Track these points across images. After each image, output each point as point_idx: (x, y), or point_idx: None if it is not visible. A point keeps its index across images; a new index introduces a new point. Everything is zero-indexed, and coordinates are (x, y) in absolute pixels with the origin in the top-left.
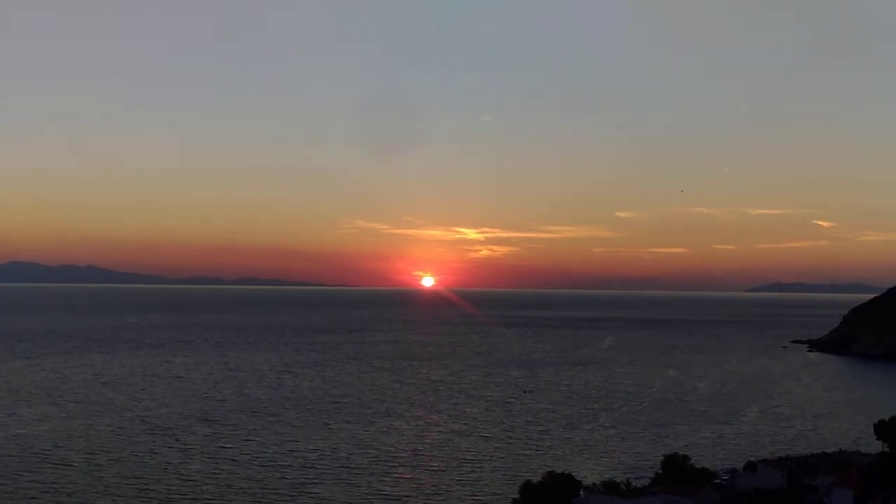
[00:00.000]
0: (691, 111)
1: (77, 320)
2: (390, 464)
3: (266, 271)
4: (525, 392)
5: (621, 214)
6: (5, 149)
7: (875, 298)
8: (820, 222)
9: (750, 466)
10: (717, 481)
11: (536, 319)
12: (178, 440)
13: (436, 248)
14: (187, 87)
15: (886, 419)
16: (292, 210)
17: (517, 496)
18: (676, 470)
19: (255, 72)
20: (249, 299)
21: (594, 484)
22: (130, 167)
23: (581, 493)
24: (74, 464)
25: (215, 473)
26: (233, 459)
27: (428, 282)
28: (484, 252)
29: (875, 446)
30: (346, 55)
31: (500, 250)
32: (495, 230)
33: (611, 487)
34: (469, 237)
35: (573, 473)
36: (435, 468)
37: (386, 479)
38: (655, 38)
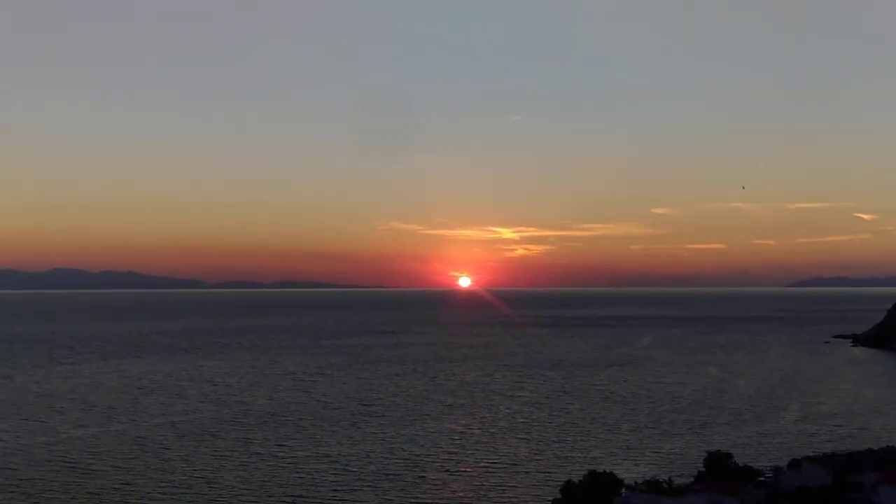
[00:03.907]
0: (728, 105)
1: (116, 326)
2: (426, 467)
3: (304, 274)
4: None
5: (658, 211)
6: (44, 157)
7: None
8: (860, 215)
9: (794, 464)
10: (760, 479)
11: (573, 318)
12: (211, 446)
13: (471, 248)
14: (221, 93)
15: None
16: (328, 213)
17: (558, 496)
18: (719, 468)
19: (287, 77)
20: (287, 302)
21: (636, 483)
22: (169, 175)
23: (623, 492)
24: (107, 470)
25: (249, 479)
26: (266, 464)
27: (464, 282)
28: (520, 251)
29: None
30: (374, 56)
31: (536, 249)
32: (531, 229)
33: (653, 486)
34: (504, 237)
35: (615, 472)
36: (472, 471)
37: (422, 483)
38: (690, 33)
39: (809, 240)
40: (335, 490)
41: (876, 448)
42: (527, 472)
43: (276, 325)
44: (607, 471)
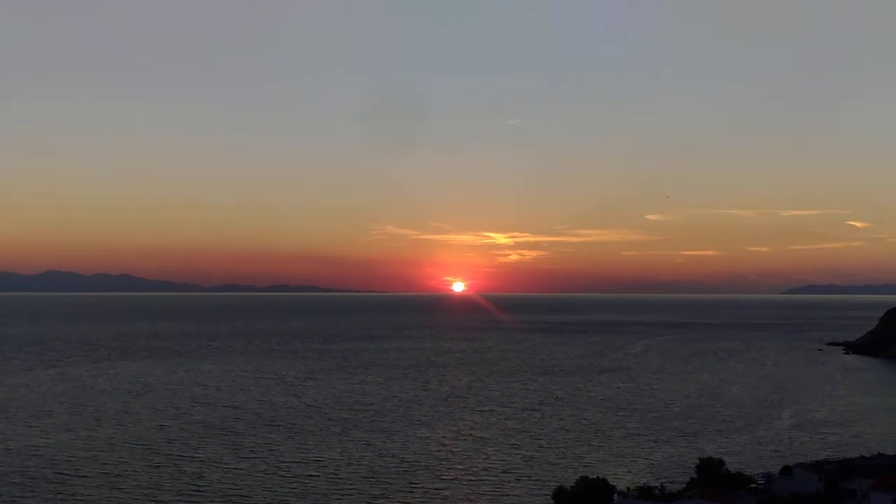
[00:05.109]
0: (722, 112)
1: (108, 329)
2: (417, 474)
3: (297, 278)
4: (557, 398)
5: (651, 217)
6: (37, 160)
7: None
8: (854, 223)
9: (786, 471)
10: (752, 486)
11: (566, 324)
12: (200, 450)
13: (465, 253)
14: (214, 95)
15: None
16: (322, 217)
17: (551, 502)
18: (711, 474)
19: (281, 78)
20: (280, 306)
21: (628, 489)
22: (162, 177)
23: (615, 498)
24: (92, 475)
25: (238, 484)
26: (256, 469)
27: (458, 287)
28: (513, 256)
29: None
30: (371, 60)
31: (529, 255)
32: (525, 234)
33: (645, 492)
34: (498, 242)
35: (607, 479)
36: (463, 477)
37: (413, 490)
38: (686, 40)
39: (803, 247)
40: (325, 496)
41: (868, 455)
42: (518, 479)
43: (270, 328)
44: (599, 477)
